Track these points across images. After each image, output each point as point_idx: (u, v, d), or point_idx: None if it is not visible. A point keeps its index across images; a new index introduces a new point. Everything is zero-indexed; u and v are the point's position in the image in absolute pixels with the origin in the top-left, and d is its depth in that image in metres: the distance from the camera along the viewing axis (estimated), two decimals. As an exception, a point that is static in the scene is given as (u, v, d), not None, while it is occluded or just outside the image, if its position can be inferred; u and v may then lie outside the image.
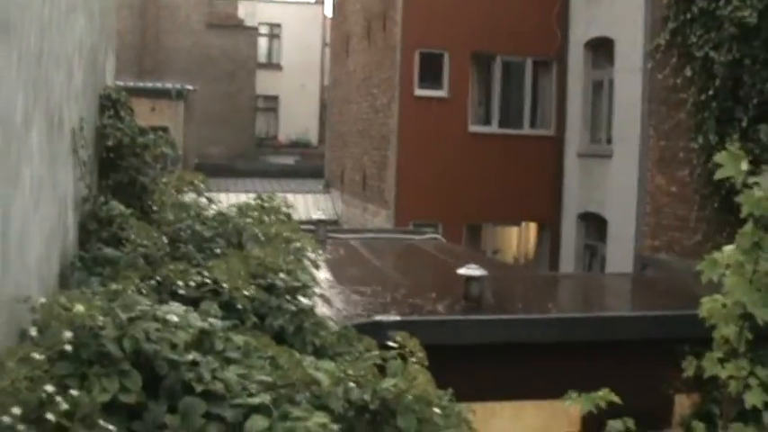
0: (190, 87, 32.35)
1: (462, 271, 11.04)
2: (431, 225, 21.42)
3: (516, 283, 14.53)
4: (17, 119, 4.33)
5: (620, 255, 19.07)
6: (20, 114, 4.39)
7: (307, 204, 30.70)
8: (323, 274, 10.17)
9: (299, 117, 44.50)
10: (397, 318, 9.28)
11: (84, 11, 6.56)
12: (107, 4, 8.64)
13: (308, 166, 38.91)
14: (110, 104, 7.49)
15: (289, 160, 41.49)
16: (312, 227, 15.37)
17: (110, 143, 7.10)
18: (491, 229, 24.00)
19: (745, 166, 4.66)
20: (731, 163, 4.68)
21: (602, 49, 21.08)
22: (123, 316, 4.09)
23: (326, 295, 6.82)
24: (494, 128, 23.40)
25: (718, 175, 4.76)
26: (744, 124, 15.83)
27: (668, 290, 13.82)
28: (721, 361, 5.01)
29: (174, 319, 4.30)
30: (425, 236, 19.28)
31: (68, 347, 3.85)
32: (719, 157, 4.74)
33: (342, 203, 30.25)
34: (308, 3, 47.52)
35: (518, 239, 24.17)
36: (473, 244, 23.01)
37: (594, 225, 21.13)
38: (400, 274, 14.61)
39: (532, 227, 24.04)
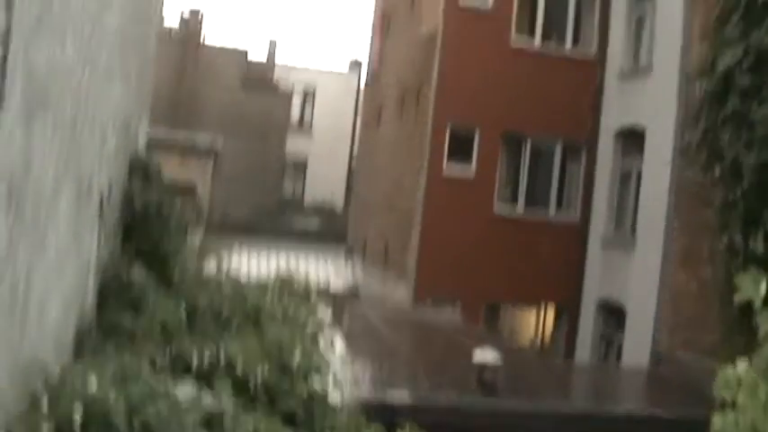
0: (220, 144, 32.51)
1: (478, 355, 11.02)
2: (450, 301, 21.36)
3: (532, 371, 14.45)
4: (47, 188, 4.37)
5: (636, 347, 18.91)
6: (50, 183, 4.43)
7: (327, 270, 30.68)
8: (337, 348, 10.15)
9: (325, 181, 44.69)
10: (408, 401, 9.26)
11: (121, 77, 6.63)
12: (145, 67, 8.74)
13: (331, 230, 38.94)
14: (139, 168, 7.54)
15: (312, 223, 41.56)
16: (331, 295, 15.35)
17: (136, 208, 7.13)
18: (509, 310, 23.89)
19: (764, 288, 4.66)
20: (751, 285, 4.68)
21: (632, 138, 21.09)
22: (135, 393, 4.09)
23: (339, 375, 6.79)
24: (519, 210, 23.44)
25: (738, 297, 4.77)
26: (769, 227, 15.73)
27: (682, 389, 13.70)
28: (730, 480, 4.95)
29: (186, 398, 4.30)
30: (443, 313, 19.25)
31: (78, 421, 3.86)
32: (740, 279, 4.75)
33: (362, 272, 30.21)
34: (343, 72, 47.98)
35: (536, 322, 24.04)
36: (491, 323, 22.90)
37: (613, 315, 20.99)
38: (416, 351, 14.57)
39: (551, 311, 23.91)
